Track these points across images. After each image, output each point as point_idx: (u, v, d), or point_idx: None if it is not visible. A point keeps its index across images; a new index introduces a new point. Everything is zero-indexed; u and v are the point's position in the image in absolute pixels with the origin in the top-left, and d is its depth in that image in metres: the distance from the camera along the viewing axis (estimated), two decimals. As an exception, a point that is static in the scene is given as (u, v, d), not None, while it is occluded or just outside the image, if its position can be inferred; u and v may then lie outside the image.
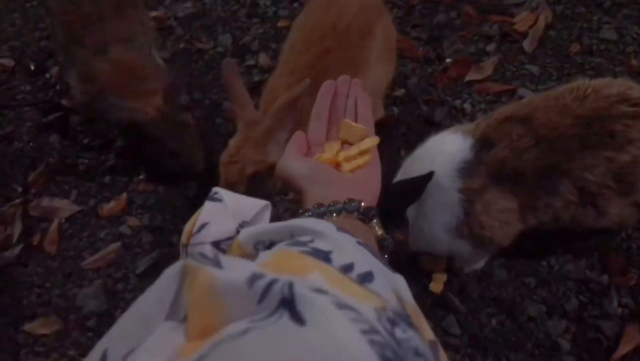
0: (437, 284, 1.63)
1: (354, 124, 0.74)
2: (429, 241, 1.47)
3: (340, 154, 0.71)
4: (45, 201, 2.05)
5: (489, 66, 2.14)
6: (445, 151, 1.40)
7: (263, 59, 2.33)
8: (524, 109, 1.40)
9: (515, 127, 1.36)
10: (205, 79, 2.32)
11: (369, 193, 0.69)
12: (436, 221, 1.42)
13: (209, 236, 0.62)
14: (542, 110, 1.37)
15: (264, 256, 0.50)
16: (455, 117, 2.02)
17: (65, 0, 1.86)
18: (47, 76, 2.47)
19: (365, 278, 0.46)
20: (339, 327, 0.35)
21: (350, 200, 0.64)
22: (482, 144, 1.37)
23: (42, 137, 2.25)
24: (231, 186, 1.46)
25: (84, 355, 1.65)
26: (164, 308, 0.41)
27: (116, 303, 1.77)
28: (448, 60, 2.20)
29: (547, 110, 1.36)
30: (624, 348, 1.47)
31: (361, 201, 0.64)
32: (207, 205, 0.65)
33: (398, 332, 0.40)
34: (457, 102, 2.05)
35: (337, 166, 0.71)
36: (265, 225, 0.61)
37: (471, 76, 2.12)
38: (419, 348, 0.40)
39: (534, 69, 2.11)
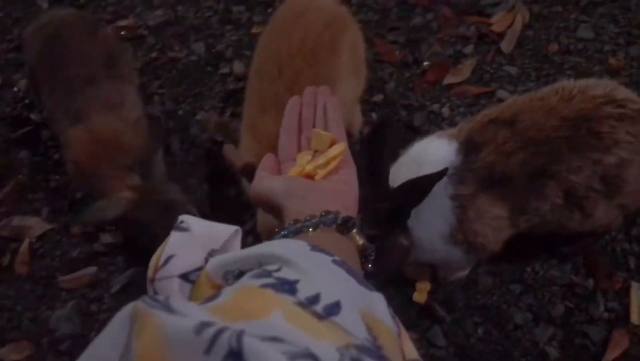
0: (421, 295, 1.59)
1: (322, 132, 0.72)
2: (427, 249, 1.42)
3: (307, 166, 0.69)
4: (16, 220, 1.98)
5: (466, 68, 2.11)
6: (431, 156, 1.36)
7: (237, 66, 2.28)
8: (508, 111, 1.37)
9: (500, 130, 1.33)
10: (178, 89, 2.27)
11: (349, 197, 0.67)
12: (432, 229, 1.38)
13: (176, 269, 0.60)
14: (527, 112, 1.34)
15: (226, 294, 0.47)
16: (434, 121, 1.99)
17: (55, 65, 1.72)
18: (15, 89, 2.40)
19: (332, 311, 0.44)
20: None
21: (327, 212, 0.61)
22: (467, 147, 1.34)
23: (12, 153, 2.19)
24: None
25: (57, 380, 1.60)
26: (118, 353, 0.38)
27: (91, 324, 1.70)
28: (425, 63, 2.17)
29: (532, 112, 1.33)
30: (611, 353, 1.44)
31: (339, 212, 0.62)
32: (173, 236, 0.63)
33: None
34: (436, 107, 2.02)
35: (311, 176, 0.69)
36: (233, 254, 0.58)
37: (449, 79, 2.10)
38: None
39: (513, 70, 2.09)
